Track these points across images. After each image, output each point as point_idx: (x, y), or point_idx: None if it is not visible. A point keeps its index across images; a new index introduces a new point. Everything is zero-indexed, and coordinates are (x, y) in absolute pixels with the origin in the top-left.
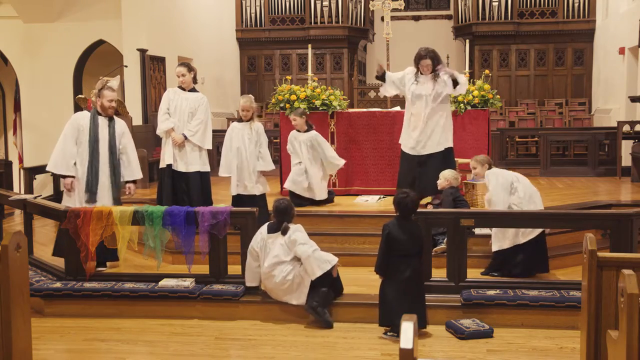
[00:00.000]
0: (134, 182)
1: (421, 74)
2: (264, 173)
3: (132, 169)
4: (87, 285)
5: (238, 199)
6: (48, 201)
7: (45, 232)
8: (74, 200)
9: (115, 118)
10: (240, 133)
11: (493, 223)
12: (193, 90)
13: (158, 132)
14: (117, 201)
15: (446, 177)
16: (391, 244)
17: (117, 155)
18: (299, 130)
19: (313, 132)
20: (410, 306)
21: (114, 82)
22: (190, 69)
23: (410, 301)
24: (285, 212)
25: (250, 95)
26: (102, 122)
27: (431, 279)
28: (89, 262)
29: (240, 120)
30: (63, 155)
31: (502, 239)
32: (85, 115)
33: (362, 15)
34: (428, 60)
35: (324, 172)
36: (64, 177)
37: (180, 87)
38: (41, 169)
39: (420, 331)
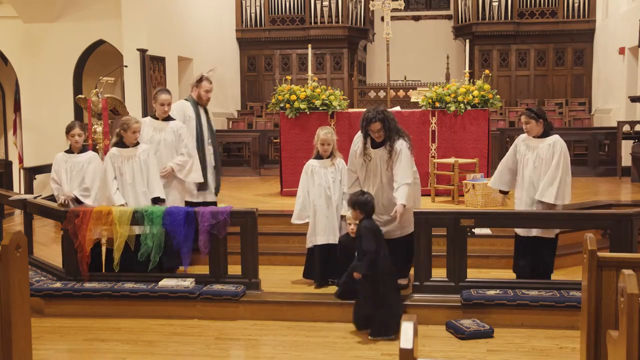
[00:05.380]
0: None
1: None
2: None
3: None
4: (87, 285)
5: (321, 249)
6: (48, 201)
7: (45, 232)
8: (182, 194)
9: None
10: (323, 172)
11: (493, 223)
12: (169, 118)
13: None
14: (218, 189)
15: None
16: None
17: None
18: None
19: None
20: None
21: (212, 73)
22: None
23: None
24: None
25: (329, 127)
26: (201, 111)
27: (431, 279)
28: (84, 267)
29: (318, 157)
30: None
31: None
32: (187, 105)
33: (362, 15)
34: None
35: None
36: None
37: (153, 116)
38: (41, 169)
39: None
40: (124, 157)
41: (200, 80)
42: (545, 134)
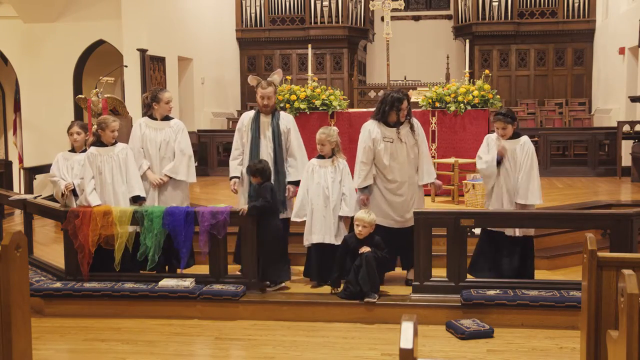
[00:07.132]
0: (294, 183)
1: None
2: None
3: (296, 170)
4: (87, 285)
5: (317, 248)
6: (48, 201)
7: (45, 232)
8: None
9: (282, 113)
10: (322, 171)
11: (493, 223)
12: (167, 117)
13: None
14: (283, 204)
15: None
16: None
17: (283, 153)
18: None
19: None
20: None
21: (276, 77)
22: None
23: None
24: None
25: (334, 127)
26: (264, 119)
27: (431, 279)
28: (85, 267)
29: (320, 156)
30: (232, 156)
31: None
32: (246, 115)
33: (362, 15)
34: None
35: None
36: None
37: (151, 117)
38: (41, 169)
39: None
40: (103, 157)
41: (256, 87)
42: (516, 135)
